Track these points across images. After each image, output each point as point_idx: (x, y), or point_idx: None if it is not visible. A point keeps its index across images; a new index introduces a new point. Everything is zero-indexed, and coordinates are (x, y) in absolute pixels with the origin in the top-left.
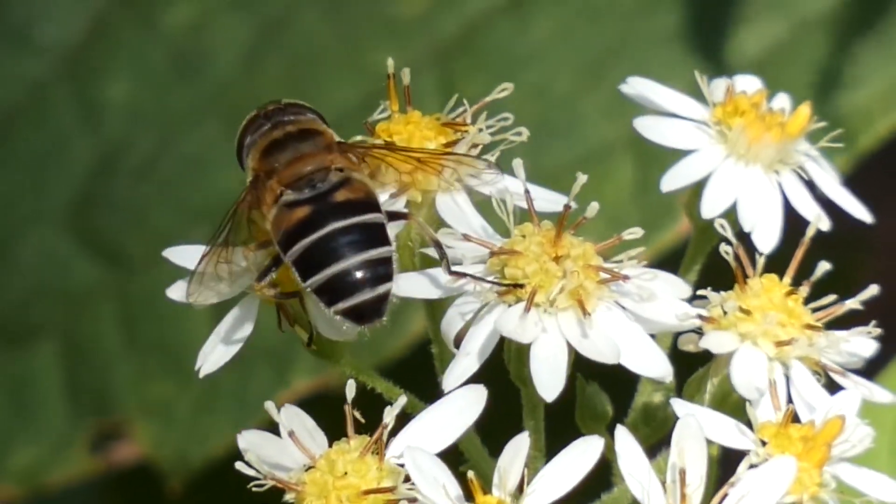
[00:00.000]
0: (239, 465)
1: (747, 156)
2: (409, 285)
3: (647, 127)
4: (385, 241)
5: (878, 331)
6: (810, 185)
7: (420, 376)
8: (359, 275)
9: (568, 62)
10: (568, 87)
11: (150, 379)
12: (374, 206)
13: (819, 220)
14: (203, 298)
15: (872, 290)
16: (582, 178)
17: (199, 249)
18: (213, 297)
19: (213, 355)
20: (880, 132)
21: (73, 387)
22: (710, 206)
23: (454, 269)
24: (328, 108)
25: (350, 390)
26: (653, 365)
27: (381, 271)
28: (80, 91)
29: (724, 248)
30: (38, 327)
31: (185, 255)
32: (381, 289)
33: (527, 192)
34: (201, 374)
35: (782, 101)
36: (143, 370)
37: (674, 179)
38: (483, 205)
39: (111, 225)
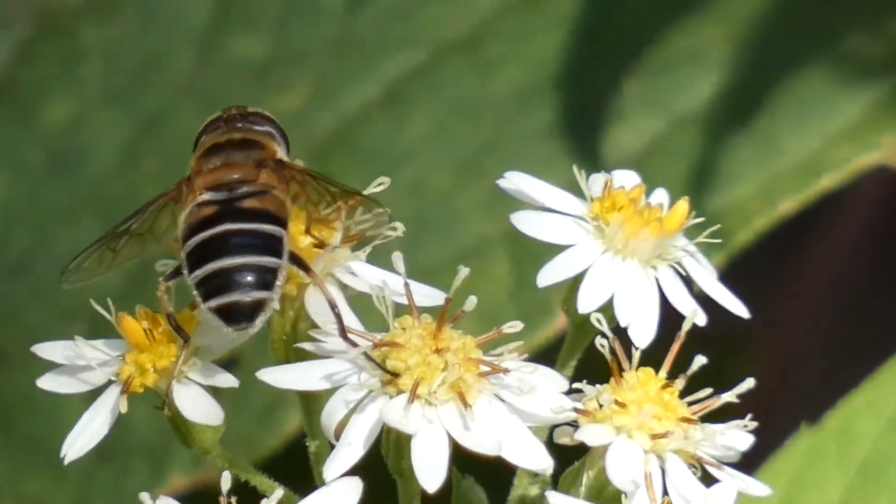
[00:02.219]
0: None
1: (624, 251)
2: (288, 377)
3: (524, 221)
4: (277, 253)
5: (754, 424)
6: (687, 281)
7: (293, 472)
8: (238, 276)
9: (444, 159)
10: (444, 184)
11: (26, 475)
12: (277, 220)
13: (695, 315)
14: (74, 279)
15: (749, 383)
16: (464, 272)
17: (69, 345)
18: (86, 279)
19: (79, 442)
20: (756, 228)
21: None
22: (587, 301)
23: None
24: None
25: (225, 482)
26: (533, 457)
27: (262, 279)
28: None
29: (600, 341)
30: None
31: (55, 350)
32: (258, 295)
33: (406, 284)
34: (66, 461)
35: (660, 196)
36: (18, 467)
37: (550, 274)
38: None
39: None
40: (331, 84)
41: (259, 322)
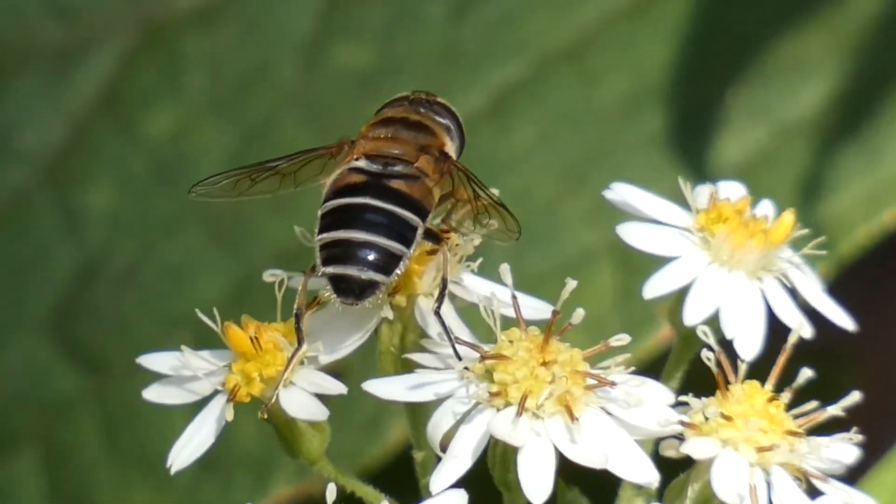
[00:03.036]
0: None
1: (730, 262)
2: (395, 389)
3: (630, 233)
4: (406, 242)
5: (860, 437)
6: (793, 292)
7: (399, 483)
8: (361, 251)
9: (549, 168)
10: (549, 193)
11: (131, 486)
12: (418, 208)
13: (801, 327)
14: (202, 192)
15: (854, 396)
16: (571, 284)
17: (175, 355)
18: (213, 197)
19: (185, 452)
20: (860, 238)
21: (53, 494)
22: (693, 314)
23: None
24: (306, 214)
25: (331, 493)
26: (639, 471)
27: (383, 261)
28: (60, 198)
29: (706, 354)
30: (18, 435)
31: (161, 361)
32: (373, 275)
33: (514, 297)
34: (172, 471)
35: (766, 207)
36: (123, 477)
37: (656, 287)
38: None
39: (92, 332)
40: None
41: (366, 301)
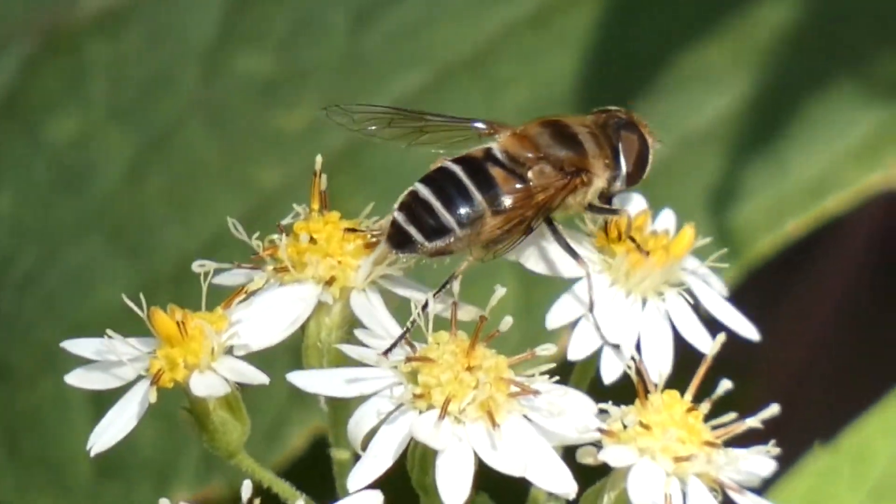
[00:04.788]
0: None
1: (630, 283)
2: (320, 382)
3: (528, 256)
4: (462, 223)
5: (777, 450)
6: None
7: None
8: (417, 205)
9: None
10: None
11: (31, 492)
12: (495, 199)
13: (720, 342)
14: (343, 117)
15: (773, 409)
16: (500, 291)
17: (98, 341)
18: (354, 125)
19: (106, 435)
20: (763, 249)
21: None
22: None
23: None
24: (211, 221)
25: (246, 490)
26: (558, 481)
27: (429, 224)
28: None
29: (627, 363)
30: None
31: (84, 346)
32: (413, 232)
33: (454, 303)
34: (93, 453)
35: (667, 217)
36: (23, 483)
37: (559, 316)
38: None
39: None
40: (337, 102)
41: (401, 254)
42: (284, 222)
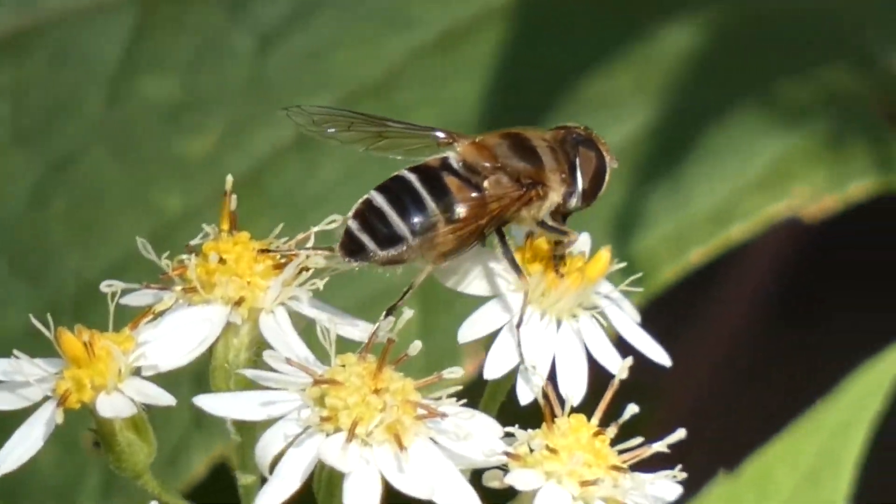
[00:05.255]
0: None
1: (544, 303)
2: (226, 405)
3: (445, 274)
4: (414, 231)
5: (683, 475)
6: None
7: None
8: (370, 212)
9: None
10: None
11: None
12: (448, 207)
13: (628, 366)
14: (301, 116)
15: (680, 434)
16: (408, 314)
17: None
18: (310, 125)
19: (13, 455)
20: (666, 276)
21: None
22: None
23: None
24: (114, 246)
25: None
26: (465, 503)
27: (381, 233)
28: None
29: (535, 387)
30: None
31: None
32: (365, 240)
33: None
34: (1, 472)
35: (583, 241)
36: None
37: (472, 330)
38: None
39: None
40: (242, 127)
41: (354, 263)
42: (194, 242)
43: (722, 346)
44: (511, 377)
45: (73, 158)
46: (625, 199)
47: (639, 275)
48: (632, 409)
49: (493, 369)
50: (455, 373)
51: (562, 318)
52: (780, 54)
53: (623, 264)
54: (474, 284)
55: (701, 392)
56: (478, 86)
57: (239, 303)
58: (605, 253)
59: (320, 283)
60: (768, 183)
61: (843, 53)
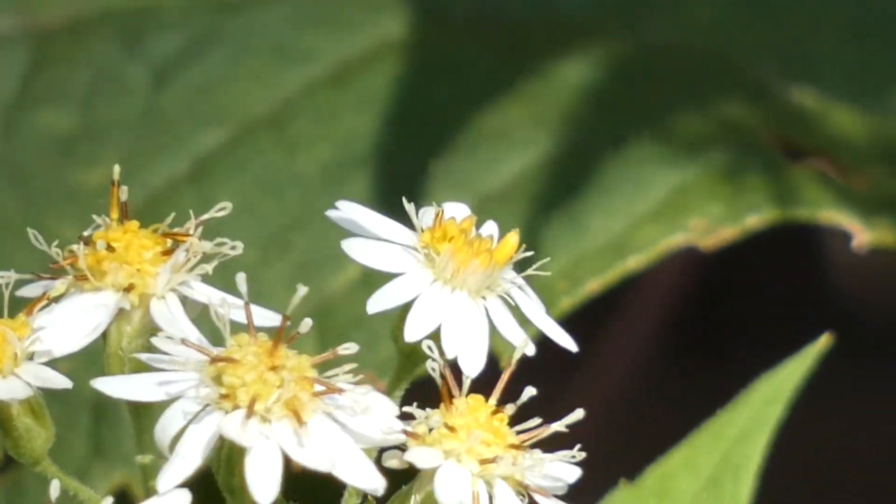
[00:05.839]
0: None
1: (454, 281)
2: (123, 387)
3: (355, 249)
4: None
5: (582, 455)
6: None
7: None
8: None
9: (250, 235)
10: (250, 260)
11: None
12: None
13: (525, 345)
14: None
15: (578, 413)
16: (303, 290)
17: None
18: None
19: None
20: (564, 307)
21: None
22: (414, 330)
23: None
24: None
25: (54, 490)
26: (365, 477)
27: None
28: None
29: (430, 365)
30: None
31: None
32: None
33: (247, 304)
34: None
35: (490, 228)
36: None
37: (380, 301)
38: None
39: None
40: (137, 159)
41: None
42: (86, 233)
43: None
44: (415, 363)
45: None
46: (521, 232)
47: (546, 259)
48: (529, 391)
49: (414, 332)
50: (350, 348)
51: (469, 297)
52: (674, 87)
53: (530, 252)
54: (384, 260)
55: (596, 423)
56: (372, 120)
57: (129, 289)
58: (513, 236)
59: (209, 268)
60: (665, 214)
61: (739, 86)
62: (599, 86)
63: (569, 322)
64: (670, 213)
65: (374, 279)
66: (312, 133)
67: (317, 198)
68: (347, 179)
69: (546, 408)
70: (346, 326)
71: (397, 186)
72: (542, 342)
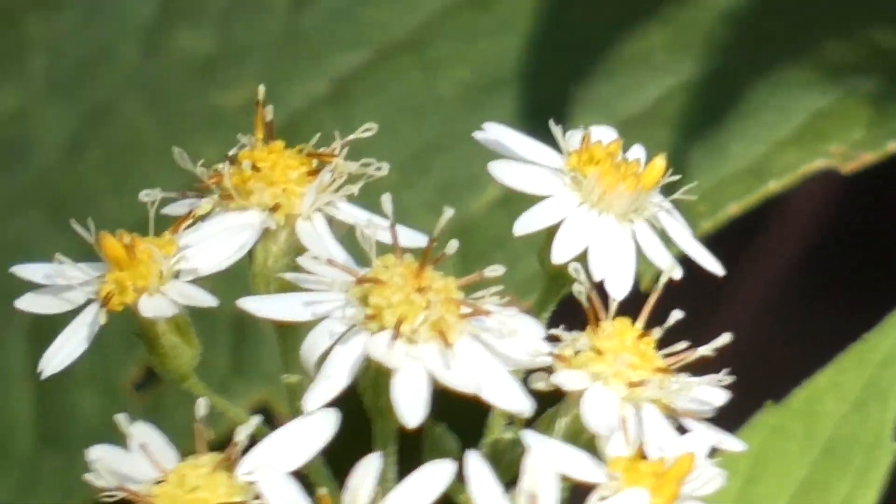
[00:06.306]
0: (88, 477)
1: (601, 204)
2: (270, 306)
3: (502, 171)
4: None
5: (730, 379)
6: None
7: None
8: None
9: (390, 156)
10: (390, 183)
11: None
12: None
13: (672, 269)
14: None
15: (724, 338)
16: (449, 212)
17: (48, 266)
18: None
19: (57, 358)
20: (702, 231)
21: None
22: (561, 252)
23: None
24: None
25: (201, 408)
26: (512, 398)
27: None
28: None
29: (577, 288)
30: None
31: (33, 270)
32: None
33: (392, 225)
34: (43, 376)
35: (638, 152)
36: None
37: (527, 223)
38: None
39: None
40: (276, 80)
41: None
42: (231, 153)
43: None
44: (561, 287)
45: (109, 109)
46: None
47: (694, 184)
48: (676, 314)
49: (561, 254)
50: (497, 271)
51: (616, 220)
52: (821, 12)
53: (677, 177)
54: (530, 183)
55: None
56: (512, 42)
57: (275, 209)
58: (659, 160)
59: (355, 189)
60: (806, 139)
61: (888, 13)
62: (743, 10)
63: (711, 246)
64: (811, 137)
65: (515, 201)
66: (452, 55)
67: (456, 120)
68: (487, 102)
69: (691, 332)
70: (486, 247)
71: (539, 109)
72: (688, 265)
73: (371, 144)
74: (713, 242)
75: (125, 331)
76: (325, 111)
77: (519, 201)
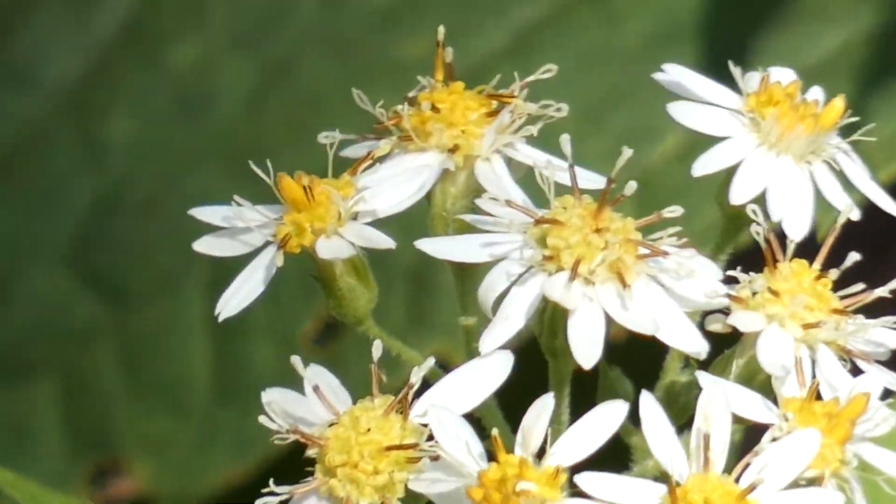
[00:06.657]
0: (262, 419)
1: (779, 145)
2: (448, 247)
3: (681, 112)
4: None
5: None
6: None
7: None
8: None
9: (570, 106)
10: (570, 130)
11: (150, 415)
12: None
13: (850, 210)
14: None
15: None
16: (627, 153)
17: (226, 208)
18: None
19: (234, 300)
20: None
21: (72, 423)
22: (740, 193)
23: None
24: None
25: (377, 350)
26: (689, 340)
27: None
28: (81, 129)
29: (754, 229)
30: (37, 364)
31: (212, 213)
32: None
33: (571, 166)
34: (220, 318)
35: (816, 93)
36: (142, 407)
37: (705, 164)
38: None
39: (112, 263)
40: (456, 31)
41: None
42: (411, 94)
43: None
44: (738, 228)
45: (290, 62)
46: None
47: (871, 125)
48: (853, 256)
49: (739, 195)
50: (675, 212)
51: (794, 161)
52: None
53: (857, 118)
54: (709, 124)
55: None
56: None
57: (454, 150)
58: (838, 101)
59: (534, 130)
60: None
61: None
62: None
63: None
64: None
65: (693, 151)
66: (633, 5)
67: (636, 71)
68: (666, 53)
69: (868, 274)
70: (664, 199)
71: (717, 60)
72: (866, 207)
73: (550, 94)
74: (891, 188)
75: (302, 283)
76: (505, 62)
77: (698, 152)
